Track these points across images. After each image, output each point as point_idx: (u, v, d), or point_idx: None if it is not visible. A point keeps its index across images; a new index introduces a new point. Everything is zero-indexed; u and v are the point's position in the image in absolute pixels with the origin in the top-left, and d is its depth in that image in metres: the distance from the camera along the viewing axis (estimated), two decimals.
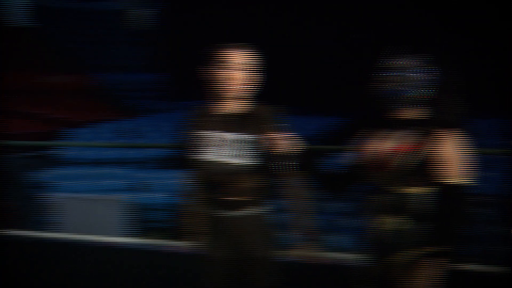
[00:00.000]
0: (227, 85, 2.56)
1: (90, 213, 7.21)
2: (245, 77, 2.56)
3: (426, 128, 2.24)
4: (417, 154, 2.20)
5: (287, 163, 2.44)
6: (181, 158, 2.76)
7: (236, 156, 2.57)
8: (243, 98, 2.59)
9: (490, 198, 7.49)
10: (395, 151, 2.25)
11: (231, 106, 2.62)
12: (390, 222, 2.27)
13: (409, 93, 2.25)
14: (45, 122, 16.68)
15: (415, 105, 2.27)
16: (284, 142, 2.47)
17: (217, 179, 2.59)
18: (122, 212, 7.26)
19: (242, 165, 2.56)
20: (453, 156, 2.16)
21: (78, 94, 19.28)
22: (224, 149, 2.58)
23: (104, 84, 20.45)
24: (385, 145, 2.32)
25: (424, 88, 2.26)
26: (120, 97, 20.06)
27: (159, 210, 9.11)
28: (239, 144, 2.58)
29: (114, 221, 7.25)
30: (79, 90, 19.50)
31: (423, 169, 2.20)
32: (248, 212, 2.62)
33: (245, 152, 2.57)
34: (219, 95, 2.62)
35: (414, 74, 2.25)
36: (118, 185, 9.77)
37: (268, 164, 2.57)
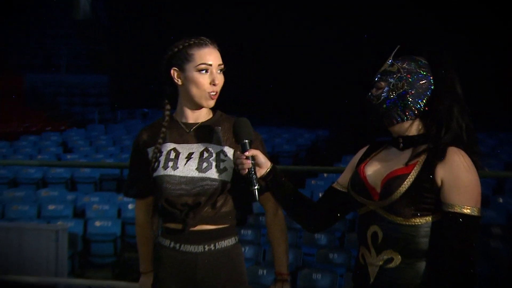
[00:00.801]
0: (193, 90, 2.52)
1: (19, 245, 7.08)
2: (215, 80, 2.51)
3: (429, 146, 2.22)
4: (415, 177, 2.18)
5: (256, 184, 2.39)
6: (129, 178, 2.69)
7: (199, 174, 2.51)
8: (210, 105, 2.55)
9: (502, 229, 7.55)
10: (391, 173, 2.23)
11: (195, 114, 2.59)
12: (381, 258, 2.24)
13: (410, 102, 2.23)
14: None
15: (415, 118, 2.26)
16: (255, 159, 2.42)
17: (175, 203, 2.52)
18: (59, 245, 7.14)
19: (205, 185, 2.51)
20: (460, 180, 2.15)
21: (9, 98, 19.04)
22: (185, 166, 2.53)
23: (39, 86, 20.24)
24: (378, 166, 2.30)
25: (427, 97, 2.24)
26: (59, 103, 19.88)
27: (101, 242, 9.00)
28: (202, 159, 2.53)
29: (49, 256, 7.12)
30: (10, 94, 19.26)
31: (423, 195, 2.18)
32: (214, 246, 2.56)
33: (209, 169, 2.51)
34: (181, 101, 2.59)
35: (416, 80, 2.24)
36: (56, 211, 9.63)
37: (237, 184, 2.53)
